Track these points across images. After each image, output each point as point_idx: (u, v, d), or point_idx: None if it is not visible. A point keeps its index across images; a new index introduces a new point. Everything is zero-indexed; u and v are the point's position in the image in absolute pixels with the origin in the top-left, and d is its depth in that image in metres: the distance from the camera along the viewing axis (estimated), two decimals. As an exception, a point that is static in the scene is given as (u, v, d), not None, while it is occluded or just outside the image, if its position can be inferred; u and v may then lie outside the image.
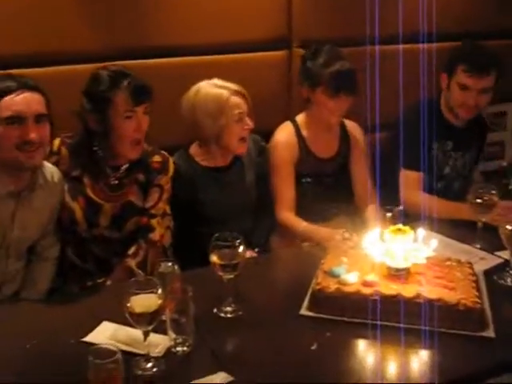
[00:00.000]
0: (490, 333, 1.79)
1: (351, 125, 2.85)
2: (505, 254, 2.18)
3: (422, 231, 2.01)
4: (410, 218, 2.57)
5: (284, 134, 2.75)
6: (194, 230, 2.50)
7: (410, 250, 1.95)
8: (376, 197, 2.68)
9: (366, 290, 1.87)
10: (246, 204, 2.62)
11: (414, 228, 2.01)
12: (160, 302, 1.63)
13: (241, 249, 1.88)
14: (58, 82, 2.51)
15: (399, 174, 2.75)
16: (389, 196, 2.58)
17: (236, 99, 2.48)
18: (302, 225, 2.60)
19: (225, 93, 2.46)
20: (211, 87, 2.49)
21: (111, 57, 2.53)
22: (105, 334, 1.79)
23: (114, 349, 1.47)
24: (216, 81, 2.52)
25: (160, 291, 1.63)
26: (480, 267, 2.17)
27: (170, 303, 1.71)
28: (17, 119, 2.06)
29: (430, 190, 2.76)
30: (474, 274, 2.02)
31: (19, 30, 2.53)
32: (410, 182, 2.74)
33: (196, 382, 1.58)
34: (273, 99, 2.92)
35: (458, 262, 2.09)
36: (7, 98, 2.06)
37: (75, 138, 2.36)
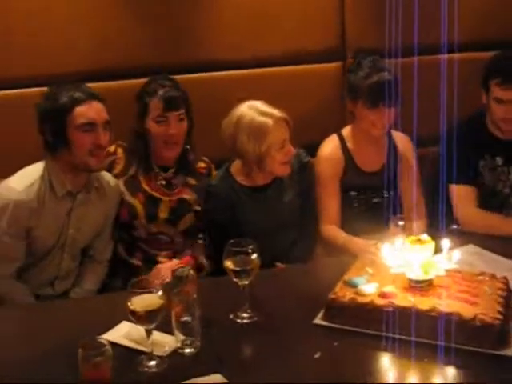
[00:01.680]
0: (509, 352, 1.69)
1: (399, 137, 2.76)
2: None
3: (445, 242, 1.93)
4: (466, 234, 2.50)
5: (329, 146, 2.73)
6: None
7: (431, 261, 1.88)
8: (424, 212, 2.60)
9: (381, 302, 1.82)
10: (285, 222, 2.58)
11: (440, 239, 1.94)
12: (162, 302, 1.68)
13: (254, 255, 1.89)
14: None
15: (448, 191, 2.64)
16: (435, 212, 2.50)
17: (280, 127, 2.44)
18: (341, 236, 2.57)
19: (269, 121, 2.41)
20: (255, 114, 2.44)
21: (161, 71, 2.64)
22: (120, 333, 1.86)
23: (104, 342, 1.54)
24: (260, 105, 2.47)
25: (160, 292, 1.69)
26: (521, 284, 2.05)
27: (177, 305, 1.77)
28: (90, 126, 2.31)
29: (484, 207, 2.66)
30: (506, 290, 1.91)
31: (82, 46, 2.75)
32: (462, 197, 2.63)
33: (187, 382, 1.61)
34: (327, 112, 2.91)
35: (492, 276, 1.98)
36: (81, 107, 2.31)
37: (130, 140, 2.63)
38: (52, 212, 2.35)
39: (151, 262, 2.56)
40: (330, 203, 2.67)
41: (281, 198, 2.59)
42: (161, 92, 2.49)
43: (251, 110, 2.45)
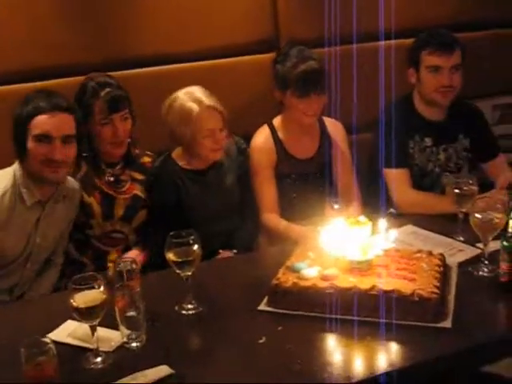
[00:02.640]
0: (447, 324, 1.75)
1: (331, 123, 2.83)
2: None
3: (382, 223, 1.98)
4: (404, 216, 2.57)
5: (261, 137, 2.77)
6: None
7: (369, 242, 1.92)
8: (358, 195, 2.68)
9: (323, 284, 1.86)
10: (229, 205, 2.63)
11: (377, 221, 1.99)
12: (104, 297, 1.68)
13: (195, 246, 1.90)
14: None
15: (382, 176, 2.71)
16: (373, 197, 2.58)
17: (207, 115, 2.48)
18: (281, 223, 2.60)
19: (196, 108, 2.46)
20: (186, 99, 2.50)
21: (99, 69, 2.61)
22: (65, 332, 1.84)
23: (47, 341, 1.53)
24: (195, 90, 2.52)
25: (102, 287, 1.68)
26: (456, 259, 2.12)
27: (120, 300, 1.76)
28: (45, 138, 2.23)
29: (417, 188, 2.74)
30: (442, 266, 1.97)
31: (9, 47, 2.67)
32: (397, 180, 2.69)
33: (133, 375, 1.61)
34: (263, 103, 2.92)
35: (429, 253, 2.04)
36: (39, 117, 2.24)
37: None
38: (20, 221, 2.30)
39: (101, 260, 2.56)
40: (267, 192, 2.70)
41: (222, 182, 2.63)
42: (103, 93, 2.45)
43: (186, 95, 2.52)
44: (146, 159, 2.68)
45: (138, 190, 2.61)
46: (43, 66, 2.71)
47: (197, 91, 2.53)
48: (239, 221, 2.66)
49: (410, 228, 2.38)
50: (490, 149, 2.92)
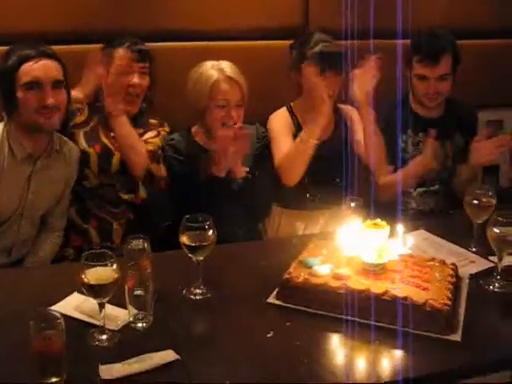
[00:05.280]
0: (456, 337, 1.73)
1: (346, 108, 2.87)
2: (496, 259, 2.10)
3: (399, 228, 1.96)
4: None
5: (279, 114, 2.81)
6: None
7: (386, 245, 1.90)
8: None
9: (335, 283, 1.84)
10: (238, 192, 2.59)
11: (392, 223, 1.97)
12: (116, 275, 1.65)
13: (210, 231, 1.88)
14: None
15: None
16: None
17: (225, 84, 2.50)
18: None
19: (216, 75, 2.50)
20: (210, 67, 2.53)
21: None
22: (71, 305, 1.83)
23: (57, 314, 1.50)
24: (222, 62, 2.55)
25: (115, 266, 1.65)
26: (468, 270, 2.10)
27: (131, 279, 1.74)
28: (35, 85, 2.22)
29: None
30: (455, 276, 1.95)
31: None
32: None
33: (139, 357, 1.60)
34: (284, 88, 2.88)
35: (442, 262, 2.02)
36: (26, 65, 2.22)
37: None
38: (12, 176, 2.29)
39: (106, 231, 2.58)
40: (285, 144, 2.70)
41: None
42: (128, 43, 2.51)
43: (212, 63, 2.55)
44: (153, 121, 2.69)
45: None
46: (69, 30, 2.67)
47: (223, 63, 2.55)
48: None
49: (422, 233, 2.35)
50: None
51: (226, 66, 2.54)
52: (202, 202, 2.42)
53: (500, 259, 2.02)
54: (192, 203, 2.41)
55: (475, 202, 2.23)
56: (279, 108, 2.81)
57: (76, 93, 2.50)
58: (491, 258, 2.14)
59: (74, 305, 1.82)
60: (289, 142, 2.69)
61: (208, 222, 1.88)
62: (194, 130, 2.66)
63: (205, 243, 1.87)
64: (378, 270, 1.90)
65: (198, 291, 1.93)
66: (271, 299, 1.89)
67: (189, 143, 2.61)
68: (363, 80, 2.63)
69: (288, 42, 2.94)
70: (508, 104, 3.60)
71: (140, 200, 2.65)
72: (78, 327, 1.74)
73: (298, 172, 2.64)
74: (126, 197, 2.62)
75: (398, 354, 1.70)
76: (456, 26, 3.22)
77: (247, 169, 2.52)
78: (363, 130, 2.74)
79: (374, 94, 2.65)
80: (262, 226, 2.82)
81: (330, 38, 2.71)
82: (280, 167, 2.67)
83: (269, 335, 1.73)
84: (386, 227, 1.92)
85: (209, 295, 1.92)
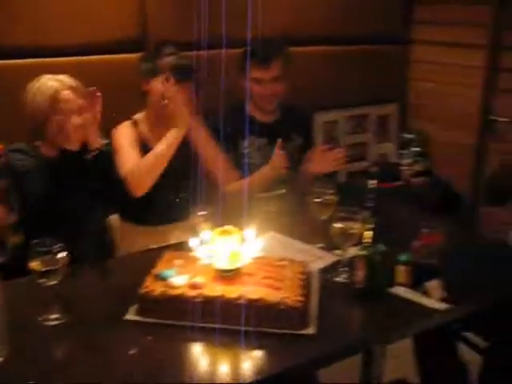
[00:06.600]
0: (310, 330, 1.83)
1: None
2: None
3: (250, 232, 2.03)
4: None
5: (123, 128, 2.77)
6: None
7: (237, 251, 1.97)
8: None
9: (191, 293, 1.87)
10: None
11: (242, 229, 2.04)
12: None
13: (60, 255, 1.84)
14: None
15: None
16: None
17: (65, 94, 2.45)
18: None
19: (56, 85, 2.44)
20: (48, 79, 2.47)
21: None
22: None
23: None
24: (59, 75, 2.49)
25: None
26: (317, 266, 2.22)
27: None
28: None
29: None
30: (305, 273, 2.06)
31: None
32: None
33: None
34: (126, 102, 2.86)
35: (292, 261, 2.12)
36: None
37: None
38: None
39: None
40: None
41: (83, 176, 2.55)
42: None
43: (48, 77, 2.49)
44: None
45: None
46: None
47: (61, 76, 2.50)
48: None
49: (272, 235, 2.46)
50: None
51: (65, 77, 2.49)
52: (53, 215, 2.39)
53: (343, 252, 2.17)
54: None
55: (318, 199, 2.37)
56: (122, 122, 2.78)
57: None
58: (336, 251, 2.28)
59: None
60: (134, 154, 2.67)
61: (57, 246, 1.83)
62: (37, 144, 2.55)
63: (56, 267, 1.83)
64: (231, 276, 1.95)
65: (54, 316, 1.87)
66: (130, 316, 1.88)
67: (36, 159, 2.51)
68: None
69: (129, 56, 2.94)
70: (342, 106, 3.85)
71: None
72: None
73: (149, 183, 2.62)
74: None
75: (258, 354, 1.76)
76: (297, 34, 3.40)
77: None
78: (198, 143, 2.80)
79: (215, 102, 2.70)
80: (113, 243, 2.78)
81: (178, 50, 2.74)
82: (131, 178, 2.61)
83: (131, 352, 1.73)
84: (236, 233, 1.98)
85: (65, 319, 1.87)
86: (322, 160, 2.89)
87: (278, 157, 2.79)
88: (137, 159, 2.65)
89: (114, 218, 2.87)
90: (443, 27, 4.05)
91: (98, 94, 2.46)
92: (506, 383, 2.37)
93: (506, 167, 2.68)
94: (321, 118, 3.78)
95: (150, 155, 2.61)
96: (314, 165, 2.93)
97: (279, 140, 2.80)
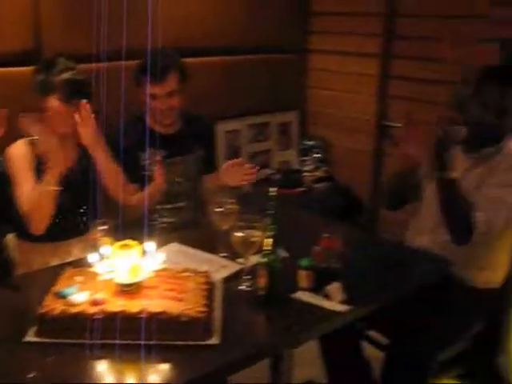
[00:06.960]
0: (214, 340, 1.84)
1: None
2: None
3: (150, 244, 2.02)
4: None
5: (17, 149, 2.66)
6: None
7: (137, 264, 1.95)
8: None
9: (92, 310, 1.84)
10: None
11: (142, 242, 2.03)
12: None
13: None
14: None
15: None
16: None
17: None
18: None
19: None
20: None
21: None
22: None
23: None
24: None
25: None
26: (220, 275, 2.24)
27: None
28: None
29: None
30: (208, 283, 2.07)
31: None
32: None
33: None
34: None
35: (195, 272, 2.13)
36: None
37: None
38: None
39: None
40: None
41: None
42: None
43: None
44: None
45: None
46: None
47: None
48: None
49: (175, 246, 2.45)
50: (212, 163, 3.23)
51: None
52: None
53: (245, 260, 2.20)
54: None
55: (219, 209, 2.39)
56: (16, 140, 2.66)
57: None
58: (239, 260, 2.30)
59: None
60: (30, 179, 2.59)
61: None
62: None
63: None
64: (133, 290, 1.93)
65: None
66: (29, 337, 1.83)
67: None
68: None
69: (25, 69, 2.85)
70: (243, 115, 3.91)
71: None
72: None
73: (46, 220, 2.56)
74: None
75: (163, 367, 1.76)
76: (194, 45, 3.41)
77: None
78: (97, 160, 2.72)
79: (115, 115, 2.67)
80: (11, 262, 2.69)
81: (73, 62, 2.66)
82: (26, 215, 2.54)
83: (30, 376, 1.68)
84: (136, 246, 1.97)
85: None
86: (234, 174, 2.91)
87: (158, 174, 2.79)
88: (31, 188, 2.56)
89: (10, 237, 2.78)
90: (339, 37, 4.20)
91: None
92: (406, 377, 2.47)
93: (401, 172, 2.78)
94: (222, 128, 3.82)
95: (35, 196, 2.53)
96: (226, 178, 2.94)
97: (158, 153, 2.83)
